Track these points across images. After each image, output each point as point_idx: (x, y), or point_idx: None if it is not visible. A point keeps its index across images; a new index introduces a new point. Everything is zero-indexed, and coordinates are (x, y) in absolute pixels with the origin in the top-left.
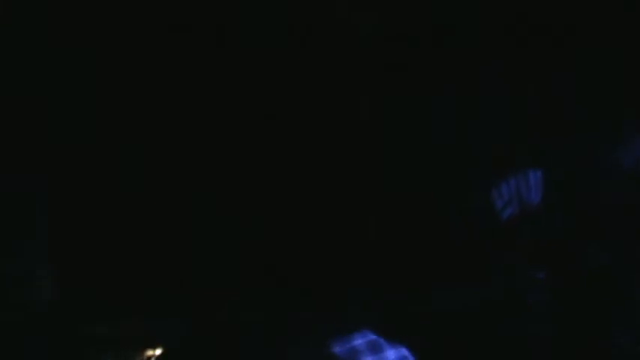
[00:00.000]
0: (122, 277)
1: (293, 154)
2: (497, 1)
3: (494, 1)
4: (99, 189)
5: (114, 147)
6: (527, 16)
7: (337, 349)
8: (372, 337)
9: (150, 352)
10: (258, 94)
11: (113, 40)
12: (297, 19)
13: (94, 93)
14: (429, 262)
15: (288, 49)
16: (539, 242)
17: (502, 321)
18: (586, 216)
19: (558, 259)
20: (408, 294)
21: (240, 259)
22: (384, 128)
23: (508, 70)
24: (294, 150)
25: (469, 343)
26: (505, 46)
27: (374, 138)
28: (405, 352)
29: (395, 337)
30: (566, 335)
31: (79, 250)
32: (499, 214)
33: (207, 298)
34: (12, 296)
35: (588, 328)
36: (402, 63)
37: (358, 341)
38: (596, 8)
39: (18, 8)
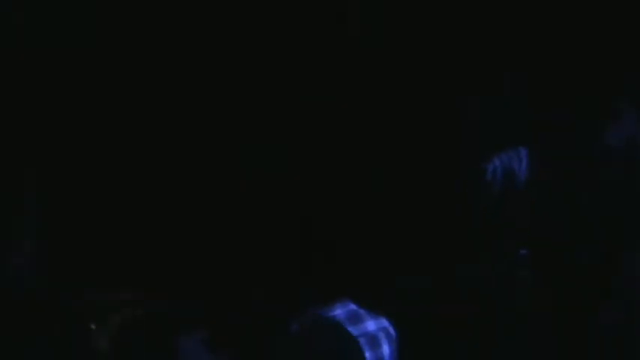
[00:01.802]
0: (110, 248)
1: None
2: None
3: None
4: (89, 171)
5: (106, 133)
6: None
7: (317, 318)
8: (353, 307)
9: (134, 317)
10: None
11: (112, 39)
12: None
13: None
14: (417, 237)
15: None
16: (527, 220)
17: (488, 296)
18: (576, 195)
19: (547, 237)
20: (396, 270)
21: (226, 237)
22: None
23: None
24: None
25: (453, 317)
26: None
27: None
28: (385, 322)
29: (376, 308)
30: (554, 311)
31: (66, 222)
32: (489, 189)
33: (196, 272)
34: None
35: (576, 306)
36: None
37: (338, 311)
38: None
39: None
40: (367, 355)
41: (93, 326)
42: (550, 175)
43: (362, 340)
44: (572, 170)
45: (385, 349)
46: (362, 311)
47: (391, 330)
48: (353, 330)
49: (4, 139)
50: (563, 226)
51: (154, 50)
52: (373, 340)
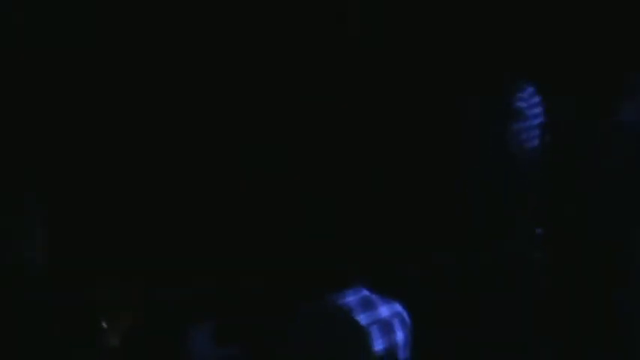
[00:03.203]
0: (118, 241)
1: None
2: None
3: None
4: (91, 170)
5: (106, 132)
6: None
7: (330, 305)
8: (366, 293)
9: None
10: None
11: (113, 39)
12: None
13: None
14: (430, 221)
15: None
16: (541, 201)
17: (501, 279)
18: (588, 173)
19: (560, 218)
20: (407, 251)
21: (235, 223)
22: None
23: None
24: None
25: (466, 300)
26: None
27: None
28: (398, 308)
29: (389, 293)
30: (567, 294)
31: (76, 213)
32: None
33: (203, 263)
34: (9, 257)
35: (590, 290)
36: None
37: (351, 297)
38: None
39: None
40: (381, 341)
41: (104, 324)
42: (562, 154)
43: (375, 327)
44: (585, 149)
45: (399, 334)
46: (375, 297)
47: (405, 316)
48: (366, 316)
49: (5, 140)
50: (576, 207)
51: (154, 50)
52: (386, 326)
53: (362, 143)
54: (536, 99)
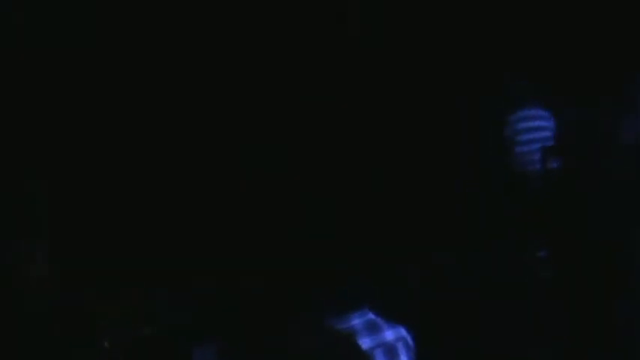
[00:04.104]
0: (119, 255)
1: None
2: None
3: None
4: (96, 174)
5: (106, 133)
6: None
7: (335, 328)
8: (371, 316)
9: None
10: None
11: (113, 39)
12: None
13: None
14: (433, 236)
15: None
16: (543, 217)
17: (506, 299)
18: (589, 189)
19: (562, 234)
20: (410, 269)
21: (237, 237)
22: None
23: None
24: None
25: (470, 322)
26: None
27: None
28: (403, 332)
29: (394, 317)
30: (571, 307)
31: (77, 228)
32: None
33: (207, 275)
34: (11, 273)
35: (592, 301)
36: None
37: (356, 321)
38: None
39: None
40: None
41: (106, 344)
42: (563, 171)
43: (379, 350)
44: (585, 166)
45: (403, 359)
46: (380, 320)
47: (409, 340)
48: (370, 340)
49: (5, 140)
50: (577, 223)
51: (154, 50)
52: (391, 350)
53: (361, 144)
54: (536, 122)
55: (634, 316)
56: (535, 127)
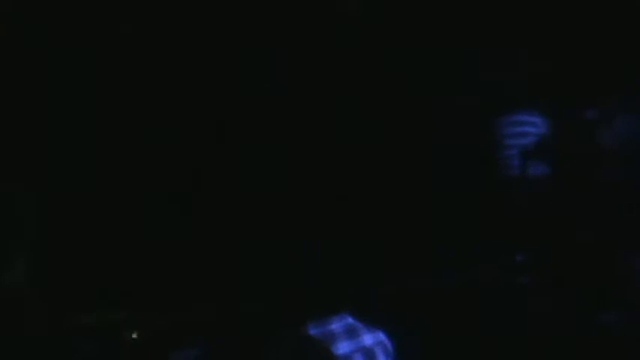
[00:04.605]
0: (107, 267)
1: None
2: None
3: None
4: (88, 184)
5: (105, 142)
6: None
7: (314, 332)
8: (350, 321)
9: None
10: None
11: (113, 39)
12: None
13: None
14: (414, 245)
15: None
16: (528, 221)
17: (488, 304)
18: (574, 195)
19: (548, 238)
20: (390, 277)
21: (223, 248)
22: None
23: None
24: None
25: (450, 328)
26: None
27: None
28: (382, 336)
29: (373, 322)
30: (556, 313)
31: (66, 239)
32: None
33: (191, 287)
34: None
35: (577, 307)
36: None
37: (335, 325)
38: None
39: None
40: None
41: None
42: (547, 176)
43: (358, 355)
44: (568, 171)
45: None
46: (359, 325)
47: (388, 344)
48: (349, 344)
49: (5, 139)
50: (560, 228)
51: (153, 50)
52: (370, 355)
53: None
54: (523, 128)
55: (617, 321)
56: (520, 133)
